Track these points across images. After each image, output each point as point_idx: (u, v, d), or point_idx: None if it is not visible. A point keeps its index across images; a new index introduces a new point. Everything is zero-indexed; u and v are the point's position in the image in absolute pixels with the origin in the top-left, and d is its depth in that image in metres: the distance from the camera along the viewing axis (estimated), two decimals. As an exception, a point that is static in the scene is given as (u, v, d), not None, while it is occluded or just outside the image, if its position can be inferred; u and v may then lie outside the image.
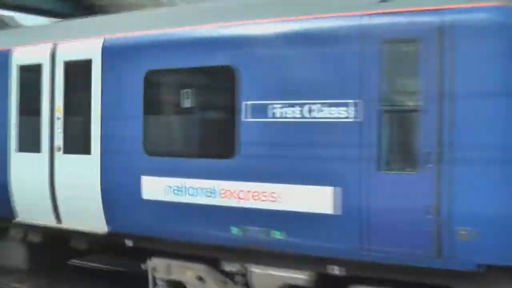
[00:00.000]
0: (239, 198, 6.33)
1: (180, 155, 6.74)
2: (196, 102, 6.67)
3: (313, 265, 6.06)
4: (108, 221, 7.29)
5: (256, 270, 6.48)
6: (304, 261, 6.12)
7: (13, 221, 8.31)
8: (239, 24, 6.40)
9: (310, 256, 6.00)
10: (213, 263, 6.88)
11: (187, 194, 6.64)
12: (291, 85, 6.08)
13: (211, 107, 6.70)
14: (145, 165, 6.90)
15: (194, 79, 6.73)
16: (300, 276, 6.19)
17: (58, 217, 7.84)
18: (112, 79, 7.16)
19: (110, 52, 7.18)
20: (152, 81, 6.88)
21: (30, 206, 8.03)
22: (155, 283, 7.34)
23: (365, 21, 5.60)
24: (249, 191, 6.24)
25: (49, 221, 7.92)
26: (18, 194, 8.08)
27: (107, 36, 7.28)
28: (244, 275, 6.61)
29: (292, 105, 6.04)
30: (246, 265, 6.56)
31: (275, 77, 6.14)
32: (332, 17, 5.85)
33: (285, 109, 6.08)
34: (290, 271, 6.25)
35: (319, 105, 5.83)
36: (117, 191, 7.13)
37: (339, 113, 5.74)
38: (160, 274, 7.19)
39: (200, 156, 6.62)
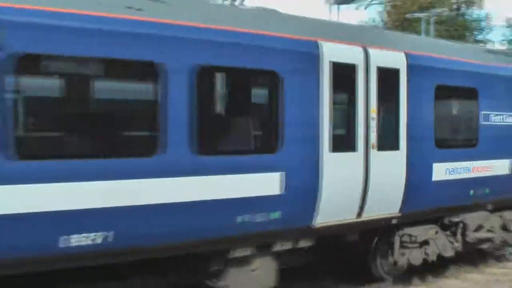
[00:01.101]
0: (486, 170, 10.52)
1: (454, 145, 10.15)
2: (457, 111, 10.31)
3: None
4: (403, 205, 9.45)
5: None
6: None
7: (313, 225, 8.41)
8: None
9: None
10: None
11: (456, 173, 10.19)
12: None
13: (463, 114, 10.42)
14: (436, 156, 9.81)
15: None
16: None
17: (360, 212, 8.94)
18: (417, 89, 9.44)
19: (415, 66, 9.43)
20: (443, 92, 9.86)
21: (333, 206, 8.54)
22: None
23: None
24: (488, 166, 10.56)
25: (345, 217, 8.81)
26: (326, 195, 8.38)
27: (411, 52, 9.42)
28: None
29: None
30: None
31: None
32: None
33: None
34: None
35: None
36: (416, 178, 9.51)
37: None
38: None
39: (460, 147, 10.32)
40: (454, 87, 10.06)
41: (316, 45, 8.09)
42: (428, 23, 39.41)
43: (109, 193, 6.31)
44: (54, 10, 6.05)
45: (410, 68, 9.19)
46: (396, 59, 9.05)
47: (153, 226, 6.65)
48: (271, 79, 7.64)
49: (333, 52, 8.23)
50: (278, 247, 8.17)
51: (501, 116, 10.77)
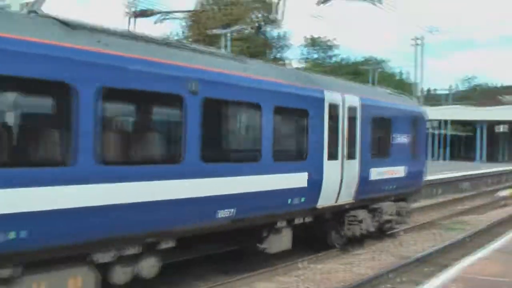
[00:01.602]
0: (393, 173, 16.53)
1: (379, 156, 15.95)
2: (381, 133, 16.19)
3: None
4: (355, 195, 15.00)
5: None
6: None
7: (316, 206, 13.54)
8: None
9: None
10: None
11: (380, 175, 15.99)
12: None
13: (384, 136, 16.25)
14: (372, 163, 15.52)
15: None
16: None
17: (337, 199, 14.27)
18: (364, 120, 15.08)
19: (363, 105, 15.06)
20: (375, 122, 15.60)
21: (327, 194, 13.79)
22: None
23: None
24: (394, 170, 16.58)
25: (330, 202, 14.10)
26: (325, 187, 13.62)
27: (361, 96, 15.05)
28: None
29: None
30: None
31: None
32: None
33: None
34: None
35: None
36: (363, 178, 15.13)
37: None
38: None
39: (383, 157, 16.15)
40: (381, 118, 15.78)
41: (322, 92, 13.19)
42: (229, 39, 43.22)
43: (235, 184, 10.72)
44: (217, 71, 10.39)
45: (361, 106, 14.68)
46: (356, 101, 14.49)
47: (255, 205, 11.16)
48: (305, 114, 12.55)
49: (329, 97, 13.40)
50: (297, 221, 13.02)
51: (401, 137, 16.75)
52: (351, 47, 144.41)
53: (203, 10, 55.87)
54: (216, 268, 12.90)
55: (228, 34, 42.20)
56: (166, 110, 9.73)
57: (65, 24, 8.42)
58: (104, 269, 8.98)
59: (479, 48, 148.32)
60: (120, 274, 9.22)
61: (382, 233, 17.45)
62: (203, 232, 10.46)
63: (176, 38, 61.38)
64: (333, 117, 13.65)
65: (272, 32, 66.15)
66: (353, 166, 14.42)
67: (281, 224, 12.47)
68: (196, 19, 57.78)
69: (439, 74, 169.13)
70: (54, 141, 7.99)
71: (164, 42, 9.97)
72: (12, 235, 7.28)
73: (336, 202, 13.98)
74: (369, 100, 15.27)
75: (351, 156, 14.33)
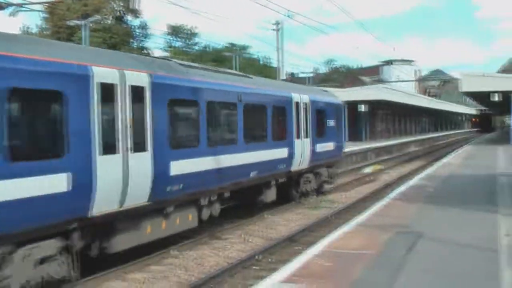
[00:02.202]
0: (328, 147, 24.19)
1: (320, 136, 23.46)
2: (322, 122, 23.75)
3: None
4: (308, 162, 22.25)
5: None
6: None
7: (291, 170, 20.65)
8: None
9: None
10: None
11: (320, 149, 23.50)
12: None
13: (323, 123, 23.78)
14: (317, 140, 22.93)
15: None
16: None
17: (300, 165, 21.42)
18: (312, 111, 22.40)
19: (311, 101, 22.38)
20: (317, 112, 23.03)
21: (296, 162, 20.88)
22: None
23: None
24: (327, 145, 24.21)
25: (297, 167, 21.26)
26: (295, 157, 20.71)
27: (309, 95, 22.37)
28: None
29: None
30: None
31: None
32: None
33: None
34: None
35: None
36: (313, 150, 22.44)
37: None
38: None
39: (322, 136, 23.70)
40: (320, 109, 23.06)
41: (291, 94, 20.30)
42: (90, 30, 42.79)
43: (257, 155, 17.48)
44: (246, 86, 17.10)
45: (310, 102, 21.93)
46: (307, 99, 21.71)
47: (265, 168, 17.99)
48: (285, 110, 19.57)
49: (294, 97, 20.52)
50: (280, 180, 20.00)
51: (330, 122, 24.19)
52: (213, 34, 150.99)
53: (59, 1, 53.74)
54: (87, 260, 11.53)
55: (90, 25, 42.05)
56: (230, 112, 16.30)
57: (180, 64, 14.76)
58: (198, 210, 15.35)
59: (337, 32, 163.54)
60: (206, 213, 15.65)
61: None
62: (242, 186, 17.06)
63: (35, 31, 61.59)
64: (297, 110, 20.75)
65: (133, 21, 66.08)
66: (308, 143, 21.64)
67: (273, 182, 19.37)
68: (52, 10, 56.82)
69: (303, 59, 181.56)
70: (192, 133, 14.40)
71: (224, 71, 16.58)
72: (178, 187, 13.59)
73: (299, 167, 21.11)
74: (314, 97, 22.58)
75: (306, 136, 21.52)
